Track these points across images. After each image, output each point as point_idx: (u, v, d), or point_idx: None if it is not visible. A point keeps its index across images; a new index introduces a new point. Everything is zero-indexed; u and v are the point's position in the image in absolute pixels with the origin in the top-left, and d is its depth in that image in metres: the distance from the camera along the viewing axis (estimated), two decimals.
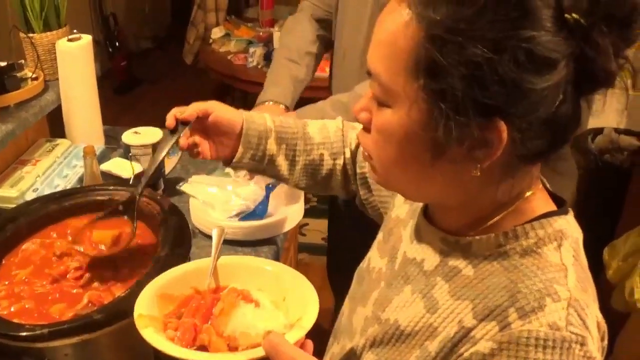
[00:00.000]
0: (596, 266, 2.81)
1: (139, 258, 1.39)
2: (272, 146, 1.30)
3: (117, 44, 6.07)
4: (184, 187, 1.89)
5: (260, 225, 1.75)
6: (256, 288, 1.12)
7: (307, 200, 4.03)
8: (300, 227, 3.80)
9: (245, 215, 1.78)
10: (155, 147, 2.04)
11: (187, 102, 1.28)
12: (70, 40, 2.16)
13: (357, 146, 1.33)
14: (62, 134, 2.30)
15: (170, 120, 1.26)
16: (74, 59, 2.16)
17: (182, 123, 1.26)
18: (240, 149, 1.28)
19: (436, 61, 0.79)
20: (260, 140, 1.29)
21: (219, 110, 1.28)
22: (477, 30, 0.77)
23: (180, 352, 0.97)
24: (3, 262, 1.41)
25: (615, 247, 2.79)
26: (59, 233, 1.49)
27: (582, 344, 0.81)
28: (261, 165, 1.32)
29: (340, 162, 1.34)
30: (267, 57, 4.36)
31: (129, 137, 2.06)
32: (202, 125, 1.28)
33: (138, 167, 1.96)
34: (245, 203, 1.79)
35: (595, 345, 0.84)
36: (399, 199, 1.19)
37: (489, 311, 0.86)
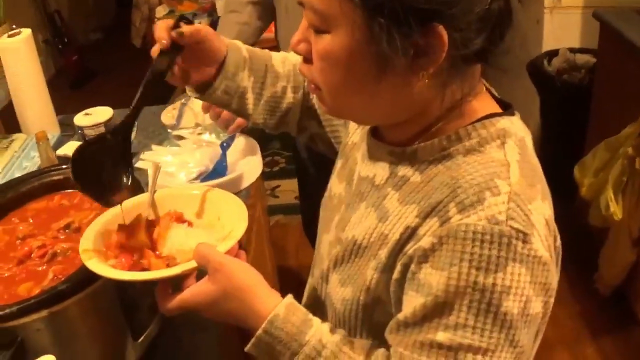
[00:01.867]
0: (570, 186, 2.85)
1: None
2: (244, 78, 1.25)
3: (65, 39, 5.99)
4: (139, 163, 1.90)
5: (221, 182, 1.73)
6: (193, 212, 1.19)
7: (275, 163, 4.09)
8: (272, 190, 3.78)
9: (207, 176, 1.78)
10: (107, 126, 2.04)
11: None
12: (10, 36, 2.17)
13: None
14: (17, 129, 2.29)
15: (165, 37, 1.17)
16: (17, 53, 2.17)
17: (175, 47, 1.16)
18: (220, 78, 1.23)
19: None
20: (237, 71, 1.23)
21: (212, 38, 1.20)
22: None
23: (122, 275, 1.04)
24: None
25: (584, 164, 2.82)
26: (20, 218, 1.48)
27: (524, 241, 0.81)
28: (231, 99, 1.26)
29: (299, 95, 1.31)
30: (213, 27, 4.26)
31: (81, 119, 2.06)
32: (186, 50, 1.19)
33: None
34: (204, 163, 1.78)
35: (544, 244, 0.83)
36: (352, 125, 1.19)
37: (431, 208, 0.87)
